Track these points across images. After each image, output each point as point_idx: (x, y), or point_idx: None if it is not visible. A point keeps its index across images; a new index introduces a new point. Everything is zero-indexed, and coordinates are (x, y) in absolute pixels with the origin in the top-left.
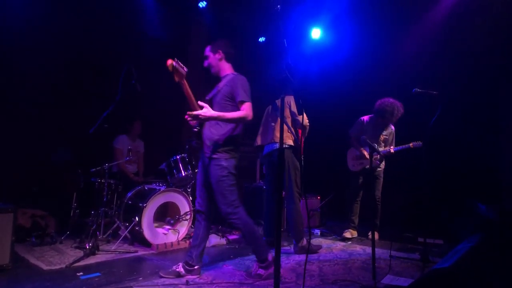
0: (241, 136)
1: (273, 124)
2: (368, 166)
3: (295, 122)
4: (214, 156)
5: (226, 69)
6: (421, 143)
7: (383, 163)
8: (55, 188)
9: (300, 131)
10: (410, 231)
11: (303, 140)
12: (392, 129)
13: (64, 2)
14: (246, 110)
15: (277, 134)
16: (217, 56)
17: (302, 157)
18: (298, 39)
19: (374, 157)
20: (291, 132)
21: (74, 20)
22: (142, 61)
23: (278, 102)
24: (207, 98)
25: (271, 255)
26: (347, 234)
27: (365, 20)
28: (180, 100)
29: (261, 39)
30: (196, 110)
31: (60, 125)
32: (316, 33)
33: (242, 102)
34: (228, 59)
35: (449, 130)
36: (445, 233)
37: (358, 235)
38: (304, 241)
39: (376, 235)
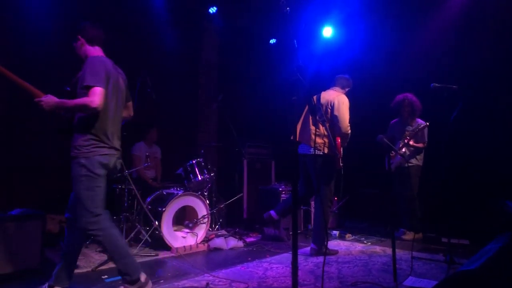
0: (109, 129)
1: (310, 126)
2: (398, 164)
3: (334, 127)
4: (73, 153)
5: (93, 53)
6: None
7: (416, 159)
8: None
9: (339, 138)
10: (432, 231)
11: (341, 149)
12: (417, 122)
13: (78, 14)
14: (90, 97)
15: (314, 139)
16: (78, 44)
17: (342, 166)
18: (309, 38)
19: (392, 154)
20: (329, 139)
21: None
22: (155, 69)
23: (314, 99)
24: (67, 89)
25: (144, 276)
26: (406, 236)
27: (377, 16)
28: (194, 106)
29: (272, 41)
30: (36, 94)
31: None
32: (327, 31)
33: (88, 87)
34: (91, 42)
35: (472, 125)
36: (471, 233)
37: (381, 236)
38: (316, 247)
39: (411, 235)
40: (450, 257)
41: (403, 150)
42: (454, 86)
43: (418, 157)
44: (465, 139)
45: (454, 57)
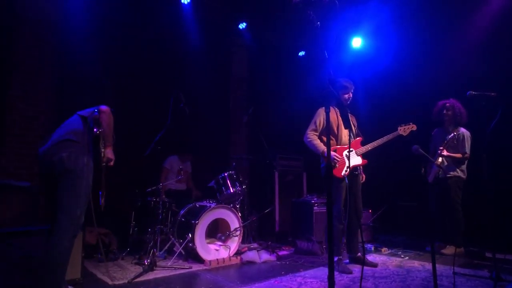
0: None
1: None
2: (435, 175)
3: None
4: None
5: None
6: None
7: (456, 170)
8: (115, 207)
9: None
10: (475, 245)
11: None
12: (459, 131)
13: (115, 33)
14: None
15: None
16: None
17: (343, 175)
18: (339, 49)
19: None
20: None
21: (125, 53)
22: (188, 85)
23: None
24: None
25: None
26: (446, 251)
27: (408, 25)
28: (225, 119)
29: (301, 53)
30: None
31: (117, 149)
32: (357, 42)
33: None
34: None
35: None
36: None
37: (419, 250)
38: (335, 258)
39: (451, 249)
40: (497, 274)
41: (440, 160)
42: (493, 94)
43: (458, 168)
44: (507, 148)
45: (491, 64)
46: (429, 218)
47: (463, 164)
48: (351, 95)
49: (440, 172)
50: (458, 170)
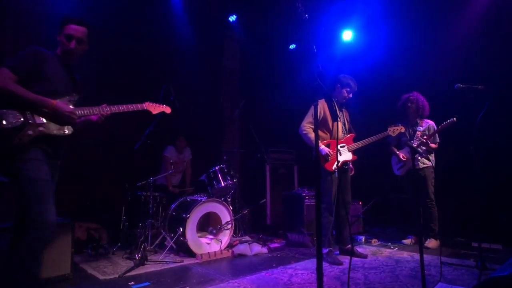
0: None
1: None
2: (411, 167)
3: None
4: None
5: None
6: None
7: (430, 160)
8: (105, 202)
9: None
10: (462, 235)
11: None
12: (427, 123)
13: (105, 26)
14: None
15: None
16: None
17: (334, 169)
18: (329, 42)
19: (404, 158)
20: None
21: (115, 45)
22: (178, 78)
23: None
24: None
25: None
26: (429, 244)
27: (399, 19)
28: (217, 113)
29: (292, 46)
30: None
31: (107, 143)
32: (347, 35)
33: None
34: None
35: (501, 125)
36: (503, 237)
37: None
38: (325, 250)
39: (434, 243)
40: (482, 263)
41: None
42: (480, 86)
43: (431, 158)
44: (494, 140)
45: (480, 57)
46: (414, 211)
47: (432, 153)
48: (351, 95)
49: (421, 163)
50: (431, 159)
